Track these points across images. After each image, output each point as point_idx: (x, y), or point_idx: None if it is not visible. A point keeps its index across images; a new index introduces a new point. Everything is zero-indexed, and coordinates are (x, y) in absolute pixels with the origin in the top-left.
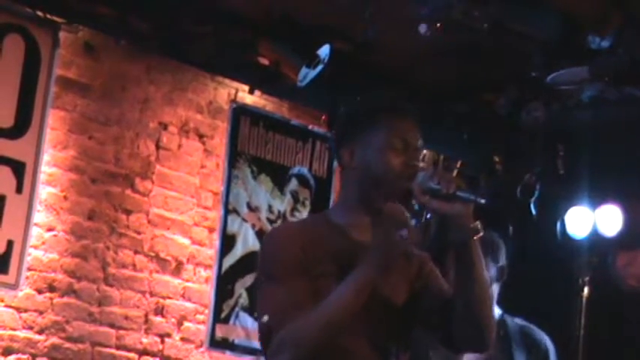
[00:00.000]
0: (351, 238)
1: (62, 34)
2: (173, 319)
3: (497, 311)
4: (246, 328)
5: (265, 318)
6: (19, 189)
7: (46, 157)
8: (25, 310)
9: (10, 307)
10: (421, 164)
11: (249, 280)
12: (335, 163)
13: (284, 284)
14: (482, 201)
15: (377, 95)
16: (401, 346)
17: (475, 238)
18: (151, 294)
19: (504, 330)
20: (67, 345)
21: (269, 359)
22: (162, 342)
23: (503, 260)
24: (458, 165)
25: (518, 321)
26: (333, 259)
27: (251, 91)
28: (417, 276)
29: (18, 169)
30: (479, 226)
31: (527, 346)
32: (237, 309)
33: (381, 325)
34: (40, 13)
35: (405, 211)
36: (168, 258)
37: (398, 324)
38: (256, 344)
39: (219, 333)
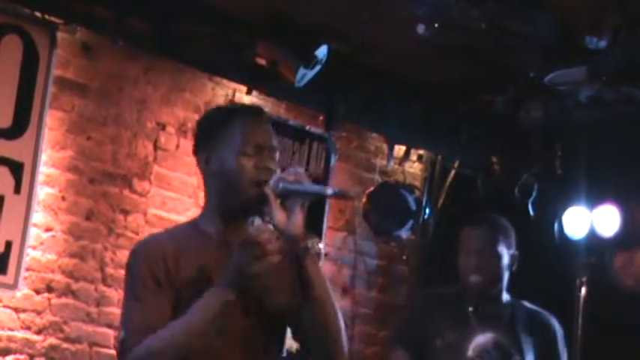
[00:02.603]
0: (217, 243)
1: (60, 35)
2: None
3: (505, 296)
4: None
5: (122, 334)
6: (17, 189)
7: (44, 157)
8: (23, 311)
9: (8, 307)
10: (275, 166)
11: None
12: (332, 164)
13: (141, 301)
14: (330, 192)
15: (230, 104)
16: (275, 342)
17: (309, 256)
18: None
19: (511, 314)
20: (65, 345)
21: None
22: None
23: (514, 247)
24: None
25: (526, 305)
26: (199, 266)
27: (249, 92)
28: (291, 277)
29: (16, 169)
30: (314, 244)
31: (535, 330)
32: None
33: (263, 319)
34: (37, 14)
35: (272, 231)
36: None
37: (277, 321)
38: None
39: None
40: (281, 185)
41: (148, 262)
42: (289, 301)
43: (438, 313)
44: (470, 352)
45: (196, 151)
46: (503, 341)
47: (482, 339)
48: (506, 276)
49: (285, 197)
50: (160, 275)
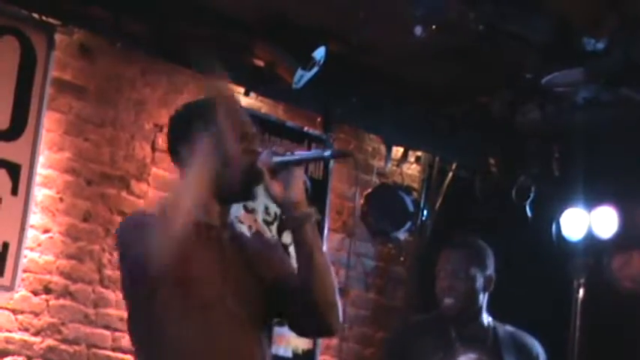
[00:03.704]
0: (199, 222)
1: (57, 36)
2: None
3: (486, 318)
4: None
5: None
6: (14, 191)
7: (42, 158)
8: (21, 312)
9: (6, 309)
10: (259, 149)
11: None
12: (330, 165)
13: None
14: (327, 154)
15: (206, 98)
16: (265, 323)
17: (309, 223)
18: None
19: (494, 336)
20: (63, 347)
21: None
22: None
23: (491, 269)
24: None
25: (509, 328)
26: (183, 248)
27: (246, 93)
28: (276, 259)
29: (13, 170)
30: (313, 211)
31: (518, 352)
32: None
33: (253, 296)
34: (35, 15)
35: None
36: None
37: (265, 300)
38: None
39: None
40: (274, 159)
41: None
42: (278, 274)
43: (421, 340)
44: None
45: (175, 144)
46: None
47: (464, 359)
48: (481, 297)
49: (278, 170)
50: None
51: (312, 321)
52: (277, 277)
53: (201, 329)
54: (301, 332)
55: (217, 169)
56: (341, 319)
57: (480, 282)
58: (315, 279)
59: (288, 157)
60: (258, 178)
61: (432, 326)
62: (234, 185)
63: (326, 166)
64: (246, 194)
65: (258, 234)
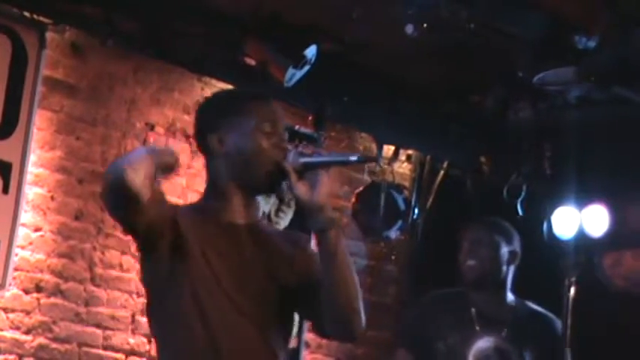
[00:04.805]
0: (223, 220)
1: (49, 35)
2: None
3: (509, 297)
4: None
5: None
6: (5, 189)
7: (33, 157)
8: (12, 311)
9: None
10: (289, 146)
11: None
12: None
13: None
14: (353, 158)
15: (238, 88)
16: (286, 330)
17: (333, 227)
18: (138, 294)
19: (515, 318)
20: (54, 345)
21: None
22: (150, 342)
23: (517, 246)
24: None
25: (532, 307)
26: (199, 240)
27: None
28: (303, 258)
29: (4, 169)
30: (339, 216)
31: (537, 333)
32: None
33: (265, 297)
34: (26, 14)
35: None
36: None
37: (282, 306)
38: None
39: None
40: (301, 159)
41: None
42: (300, 278)
43: (442, 315)
44: (470, 358)
45: (204, 132)
46: (504, 347)
47: (483, 344)
48: (504, 269)
49: (304, 171)
50: (170, 217)
51: (334, 325)
52: (300, 279)
53: (211, 331)
54: (324, 335)
55: (244, 161)
56: (363, 325)
57: (504, 251)
58: (338, 284)
59: (315, 159)
60: (285, 174)
61: (452, 303)
62: (261, 177)
63: None
64: (271, 187)
65: (286, 231)
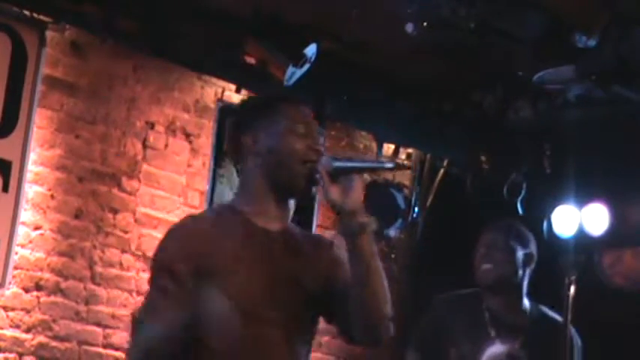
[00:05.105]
0: (256, 226)
1: (49, 33)
2: None
3: (526, 303)
4: None
5: (141, 313)
6: (5, 188)
7: (33, 155)
8: (12, 309)
9: None
10: (322, 149)
11: None
12: None
13: (157, 286)
14: (389, 165)
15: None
16: (307, 335)
17: (365, 232)
18: (138, 293)
19: (530, 323)
20: (54, 344)
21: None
22: None
23: (532, 249)
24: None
25: (551, 315)
26: (236, 248)
27: (238, 90)
28: (330, 263)
29: (4, 167)
30: (372, 222)
31: (552, 341)
32: None
33: (292, 305)
34: (26, 12)
35: None
36: None
37: (308, 312)
38: None
39: None
40: (334, 163)
41: (178, 250)
42: (328, 283)
43: (455, 320)
44: None
45: (239, 133)
46: (517, 354)
47: (495, 350)
48: (520, 272)
49: (337, 175)
50: (182, 269)
51: (363, 331)
52: (328, 285)
53: (242, 344)
54: (351, 341)
55: (278, 161)
56: (391, 331)
57: (519, 255)
58: (369, 290)
59: (348, 164)
60: (314, 179)
61: (467, 305)
62: (293, 178)
63: None
64: (304, 189)
65: (312, 234)
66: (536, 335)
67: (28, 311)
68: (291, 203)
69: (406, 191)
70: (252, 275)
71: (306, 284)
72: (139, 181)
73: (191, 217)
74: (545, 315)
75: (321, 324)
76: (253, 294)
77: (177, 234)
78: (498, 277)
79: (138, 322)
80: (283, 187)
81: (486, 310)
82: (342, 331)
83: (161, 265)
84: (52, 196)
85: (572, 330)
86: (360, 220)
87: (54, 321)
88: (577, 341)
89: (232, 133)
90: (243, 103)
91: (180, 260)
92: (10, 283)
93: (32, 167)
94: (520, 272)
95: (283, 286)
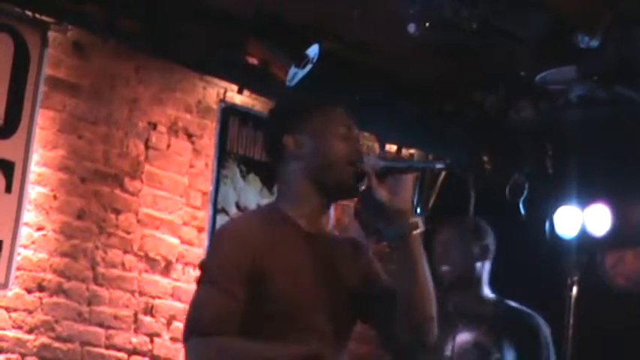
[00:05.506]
0: (302, 228)
1: (51, 34)
2: (162, 319)
3: (487, 292)
4: None
5: (192, 315)
6: (8, 188)
7: (36, 156)
8: (15, 310)
9: (0, 306)
10: (363, 148)
11: None
12: None
13: (218, 288)
14: (439, 166)
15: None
16: (347, 340)
17: (415, 232)
18: (141, 293)
19: (495, 313)
20: (57, 344)
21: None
22: (152, 342)
23: (488, 240)
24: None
25: (512, 304)
26: (285, 252)
27: (240, 91)
28: (366, 266)
29: (7, 168)
30: (419, 221)
31: (518, 330)
32: None
33: (335, 309)
34: (28, 13)
35: None
36: (158, 257)
37: (348, 311)
38: None
39: None
40: (382, 163)
41: (235, 251)
42: (371, 287)
43: None
44: (449, 352)
45: (280, 134)
46: (483, 340)
47: (462, 338)
48: (478, 266)
49: (385, 175)
50: (241, 267)
51: (409, 333)
52: (371, 289)
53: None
54: (394, 344)
55: (322, 163)
56: (435, 332)
57: (475, 250)
58: (416, 291)
59: (396, 163)
60: (360, 179)
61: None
62: (339, 179)
63: None
64: (350, 190)
65: (349, 237)
66: (501, 324)
67: (30, 312)
68: (332, 207)
69: None
70: (300, 277)
71: (349, 286)
72: (142, 181)
73: (242, 219)
74: (509, 306)
75: None
76: (300, 296)
77: (232, 235)
78: (456, 277)
79: (193, 331)
80: (331, 189)
81: (450, 306)
82: (385, 334)
83: (216, 265)
84: (55, 197)
85: (539, 319)
86: (410, 220)
87: (56, 322)
88: (545, 330)
89: (272, 136)
90: (282, 103)
91: (236, 261)
92: (12, 283)
93: (35, 168)
94: (478, 266)
95: (328, 289)
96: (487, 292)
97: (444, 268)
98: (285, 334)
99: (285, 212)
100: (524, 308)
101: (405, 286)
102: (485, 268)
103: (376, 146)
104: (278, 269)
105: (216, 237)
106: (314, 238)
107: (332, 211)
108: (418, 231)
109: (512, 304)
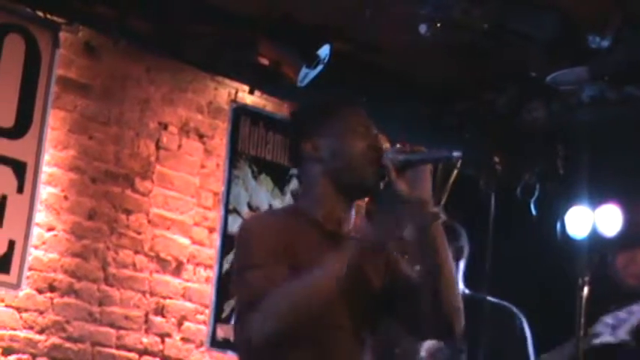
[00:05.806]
0: (326, 230)
1: (62, 35)
2: (173, 319)
3: (463, 289)
4: None
5: (243, 296)
6: (20, 189)
7: (47, 157)
8: (26, 310)
9: (11, 306)
10: (383, 146)
11: None
12: None
13: (263, 269)
14: (456, 154)
15: (328, 95)
16: (370, 332)
17: (436, 223)
18: (152, 294)
19: (470, 309)
20: (68, 345)
21: (248, 336)
22: (163, 342)
23: (462, 242)
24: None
25: (489, 299)
26: (308, 251)
27: (251, 92)
28: (388, 263)
29: (19, 169)
30: (440, 211)
31: (495, 324)
32: None
33: (359, 307)
34: (40, 14)
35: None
36: (169, 258)
37: (372, 309)
38: None
39: (221, 333)
40: (400, 157)
41: (267, 236)
42: (389, 281)
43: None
44: (423, 353)
45: (298, 140)
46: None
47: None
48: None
49: (404, 168)
50: (277, 249)
51: (436, 325)
52: (395, 284)
53: (314, 349)
54: (421, 336)
55: (342, 164)
56: (463, 322)
57: (450, 251)
58: (441, 281)
59: (414, 156)
60: (384, 174)
61: None
62: (361, 178)
63: None
64: (372, 187)
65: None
66: (476, 321)
67: (41, 312)
68: (354, 205)
69: None
70: None
71: (371, 284)
72: (153, 182)
73: (266, 214)
74: (484, 300)
75: None
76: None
77: (262, 223)
78: None
79: (247, 304)
80: (353, 189)
81: None
82: (412, 327)
83: (255, 251)
84: (66, 197)
85: (514, 311)
86: (431, 210)
87: (67, 322)
88: (520, 323)
89: (291, 142)
90: (299, 110)
91: (273, 245)
92: (24, 284)
93: (46, 168)
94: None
95: (351, 287)
96: (463, 290)
97: (418, 268)
98: (307, 331)
99: (307, 212)
100: (500, 302)
101: (430, 276)
102: (459, 268)
103: (388, 146)
104: (301, 266)
105: (244, 230)
106: (336, 237)
107: (353, 212)
108: (440, 221)
109: (490, 298)
